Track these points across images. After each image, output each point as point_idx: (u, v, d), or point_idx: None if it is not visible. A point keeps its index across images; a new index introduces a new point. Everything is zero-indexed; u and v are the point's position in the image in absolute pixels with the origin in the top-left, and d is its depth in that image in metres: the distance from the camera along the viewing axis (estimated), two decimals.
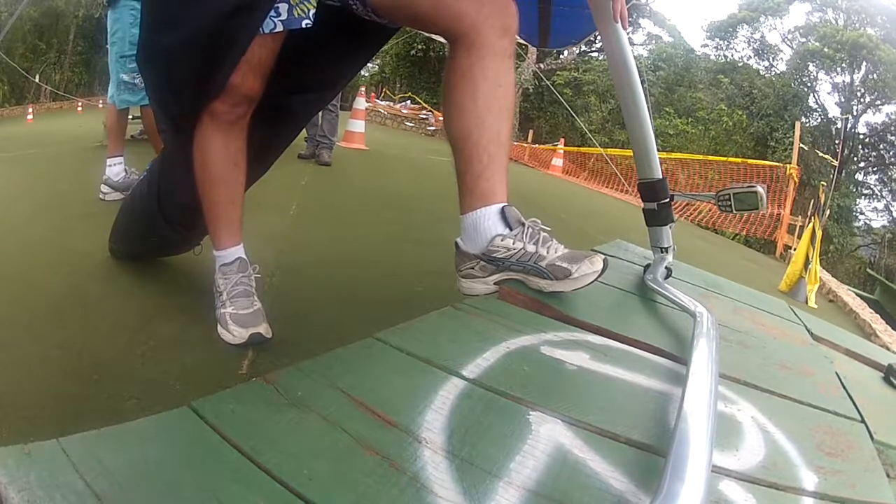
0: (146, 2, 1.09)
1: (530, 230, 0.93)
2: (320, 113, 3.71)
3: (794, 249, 4.46)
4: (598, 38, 1.34)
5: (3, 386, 0.91)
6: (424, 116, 13.90)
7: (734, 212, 1.25)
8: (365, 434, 0.50)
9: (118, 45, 2.24)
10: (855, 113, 18.17)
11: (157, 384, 0.96)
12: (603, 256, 0.92)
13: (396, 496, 0.43)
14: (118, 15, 2.22)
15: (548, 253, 0.91)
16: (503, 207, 0.94)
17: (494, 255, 0.93)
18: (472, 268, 0.97)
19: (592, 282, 0.91)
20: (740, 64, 20.57)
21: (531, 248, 0.91)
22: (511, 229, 0.94)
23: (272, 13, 1.00)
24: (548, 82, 14.97)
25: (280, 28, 1.02)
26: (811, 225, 4.02)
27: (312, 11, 1.04)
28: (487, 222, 0.94)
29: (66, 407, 0.87)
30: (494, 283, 0.96)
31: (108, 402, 0.90)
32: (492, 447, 0.51)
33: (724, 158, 9.10)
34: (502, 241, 0.93)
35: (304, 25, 1.04)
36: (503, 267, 0.94)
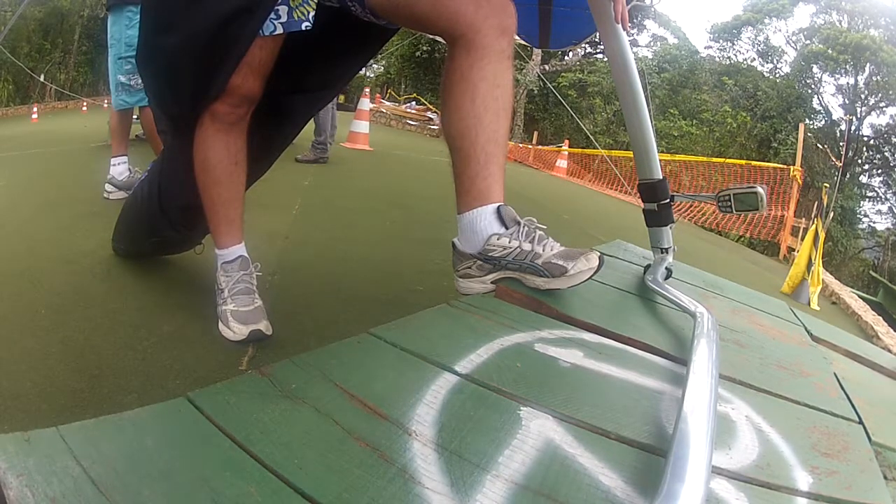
0: (146, 3, 1.10)
1: (526, 229, 0.94)
2: (324, 117, 3.70)
3: (798, 251, 4.43)
4: (600, 38, 1.34)
5: (6, 380, 0.92)
6: (430, 117, 13.87)
7: (734, 212, 1.25)
8: (356, 426, 0.51)
9: (115, 47, 2.27)
10: (859, 115, 18.07)
11: (158, 379, 0.97)
12: (599, 254, 0.92)
13: (384, 486, 0.44)
14: (115, 18, 2.25)
15: (544, 251, 0.91)
16: (499, 207, 0.95)
17: (491, 254, 0.94)
18: (470, 267, 0.98)
19: (588, 279, 0.91)
20: (744, 66, 20.51)
21: (527, 246, 0.92)
22: (507, 228, 0.94)
23: (272, 16, 1.00)
24: (550, 86, 14.95)
25: (280, 31, 1.03)
26: (814, 227, 4.00)
27: (312, 14, 1.05)
28: (484, 222, 0.95)
29: (67, 401, 0.88)
30: (492, 283, 0.97)
31: (109, 396, 0.91)
32: (481, 441, 0.52)
33: (729, 160, 9.07)
34: (498, 240, 0.93)
35: (303, 28, 1.05)
36: (500, 266, 0.95)
